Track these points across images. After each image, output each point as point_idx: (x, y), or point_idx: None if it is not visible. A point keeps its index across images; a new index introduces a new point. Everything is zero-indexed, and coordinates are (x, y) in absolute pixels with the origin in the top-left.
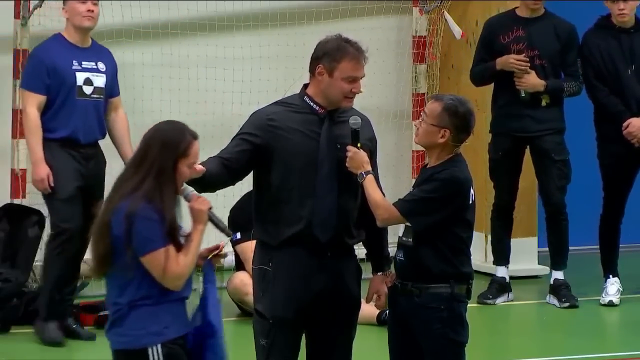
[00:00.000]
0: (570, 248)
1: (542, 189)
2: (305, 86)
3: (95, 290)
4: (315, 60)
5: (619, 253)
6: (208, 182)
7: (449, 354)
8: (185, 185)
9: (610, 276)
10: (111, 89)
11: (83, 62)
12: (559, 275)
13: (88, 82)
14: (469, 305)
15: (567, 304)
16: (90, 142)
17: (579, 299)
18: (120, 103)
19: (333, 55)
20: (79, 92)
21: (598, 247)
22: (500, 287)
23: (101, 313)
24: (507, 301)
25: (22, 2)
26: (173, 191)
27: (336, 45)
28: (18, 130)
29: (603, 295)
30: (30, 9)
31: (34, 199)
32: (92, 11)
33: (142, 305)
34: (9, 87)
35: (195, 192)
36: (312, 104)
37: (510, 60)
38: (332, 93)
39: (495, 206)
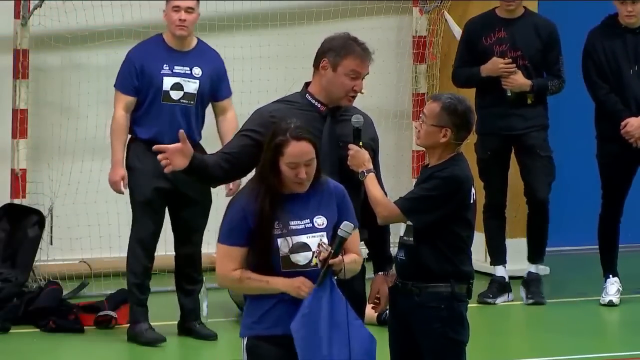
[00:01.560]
0: (570, 248)
1: (528, 185)
2: (307, 84)
3: (95, 290)
4: (321, 54)
5: (618, 253)
6: (205, 173)
7: (449, 354)
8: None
9: (610, 276)
10: (212, 93)
11: (176, 67)
12: (533, 268)
13: (177, 87)
14: (469, 305)
15: (531, 301)
16: None
17: (578, 299)
18: (229, 105)
19: (338, 51)
20: (165, 97)
21: (598, 247)
22: (500, 286)
23: (100, 313)
24: (508, 301)
25: (22, 2)
26: (271, 188)
27: (343, 42)
28: (18, 130)
29: (603, 295)
30: (30, 9)
31: (34, 199)
32: (185, 20)
33: (246, 297)
34: (9, 87)
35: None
36: (313, 101)
37: (499, 66)
38: (334, 89)
39: (487, 206)
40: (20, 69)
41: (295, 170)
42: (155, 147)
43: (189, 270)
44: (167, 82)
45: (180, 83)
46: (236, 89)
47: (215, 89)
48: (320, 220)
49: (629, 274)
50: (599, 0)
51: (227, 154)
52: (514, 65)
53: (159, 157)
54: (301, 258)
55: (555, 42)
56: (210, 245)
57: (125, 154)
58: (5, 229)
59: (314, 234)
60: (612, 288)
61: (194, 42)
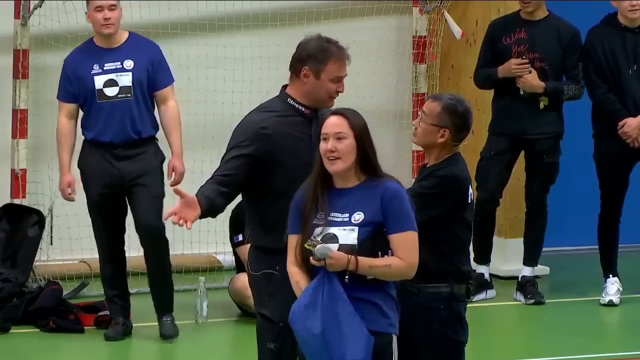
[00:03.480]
0: (570, 248)
1: (525, 187)
2: (284, 87)
3: (95, 290)
4: (299, 62)
5: (618, 252)
6: (214, 210)
7: (448, 354)
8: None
9: (610, 276)
10: (151, 83)
11: (106, 65)
12: (527, 272)
13: (111, 83)
14: (467, 305)
15: (532, 301)
16: (122, 142)
17: (578, 299)
18: (169, 94)
19: (319, 58)
20: (100, 96)
21: (598, 247)
22: (478, 283)
23: (100, 313)
24: (486, 298)
25: (22, 2)
26: (322, 178)
27: (319, 47)
28: (18, 130)
29: (603, 295)
30: (30, 9)
31: (34, 199)
32: (109, 18)
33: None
34: (9, 87)
35: (326, 252)
36: (297, 105)
37: (512, 67)
38: (318, 94)
39: (476, 205)
40: (20, 69)
41: (325, 143)
42: (165, 216)
43: (153, 269)
44: (99, 81)
45: (113, 79)
46: (236, 89)
47: (153, 78)
48: (358, 216)
49: (629, 274)
50: (600, 0)
51: (225, 177)
52: (529, 65)
53: (173, 221)
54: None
55: (576, 47)
56: (209, 245)
57: (70, 160)
58: (5, 229)
59: (344, 227)
60: (612, 288)
61: (124, 36)
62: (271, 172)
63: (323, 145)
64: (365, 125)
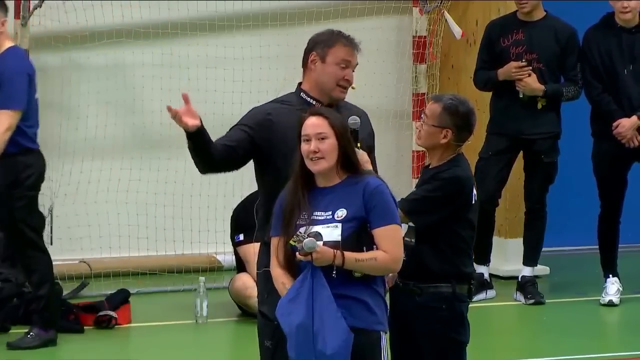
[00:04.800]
0: (570, 248)
1: (525, 188)
2: (300, 84)
3: (95, 290)
4: (308, 51)
5: (618, 252)
6: (207, 147)
7: (450, 354)
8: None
9: (610, 276)
10: None
11: None
12: (527, 272)
13: None
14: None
15: (532, 301)
16: None
17: (578, 299)
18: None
19: (326, 42)
20: None
21: (598, 247)
22: (478, 283)
23: (100, 313)
24: (486, 298)
25: (22, 2)
26: (303, 178)
27: (328, 35)
28: None
29: (603, 295)
30: (30, 9)
31: None
32: None
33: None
34: None
35: (314, 246)
36: (308, 99)
37: (512, 71)
38: (324, 79)
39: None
40: None
41: (308, 144)
42: (171, 111)
43: None
44: None
45: None
46: (236, 89)
47: None
48: (340, 213)
49: (629, 274)
50: (599, 0)
51: (224, 145)
52: (529, 68)
53: (176, 121)
54: None
55: (574, 47)
56: (209, 245)
57: None
58: None
59: (328, 225)
60: (612, 288)
61: (4, 47)
62: (274, 164)
63: (305, 147)
64: (345, 124)
